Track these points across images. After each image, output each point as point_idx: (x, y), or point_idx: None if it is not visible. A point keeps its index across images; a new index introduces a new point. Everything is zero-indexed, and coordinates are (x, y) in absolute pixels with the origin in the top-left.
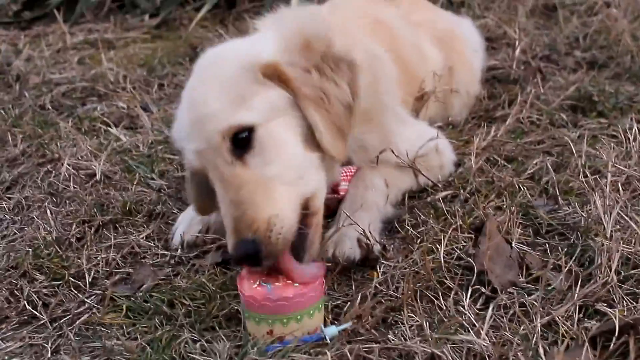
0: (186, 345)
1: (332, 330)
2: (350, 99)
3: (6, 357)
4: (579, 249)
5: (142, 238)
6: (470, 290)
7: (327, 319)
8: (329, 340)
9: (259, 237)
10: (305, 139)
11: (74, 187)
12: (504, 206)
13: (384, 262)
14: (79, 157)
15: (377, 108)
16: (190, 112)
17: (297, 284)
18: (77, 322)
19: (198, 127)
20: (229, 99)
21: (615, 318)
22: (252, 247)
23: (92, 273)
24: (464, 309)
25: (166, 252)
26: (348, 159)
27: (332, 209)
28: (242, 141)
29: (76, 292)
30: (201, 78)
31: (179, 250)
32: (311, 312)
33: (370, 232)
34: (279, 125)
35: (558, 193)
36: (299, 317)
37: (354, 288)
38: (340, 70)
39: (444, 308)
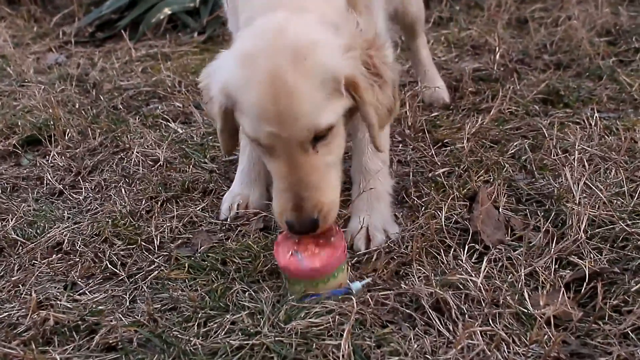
0: (237, 294)
1: (357, 286)
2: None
3: (94, 306)
4: (553, 213)
5: (199, 210)
6: (466, 247)
7: (351, 274)
8: (354, 294)
9: (320, 217)
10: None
11: (143, 170)
12: (492, 179)
13: None
14: (146, 147)
15: None
16: (279, 104)
17: (323, 254)
18: (149, 278)
19: (289, 121)
20: (318, 102)
21: (585, 268)
22: (314, 225)
23: (160, 238)
24: (462, 262)
25: (218, 221)
26: None
27: None
28: (321, 135)
29: (147, 254)
30: (290, 69)
31: (228, 220)
32: (335, 274)
33: (389, 217)
34: (341, 122)
35: (535, 169)
36: (326, 280)
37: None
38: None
39: (446, 262)
